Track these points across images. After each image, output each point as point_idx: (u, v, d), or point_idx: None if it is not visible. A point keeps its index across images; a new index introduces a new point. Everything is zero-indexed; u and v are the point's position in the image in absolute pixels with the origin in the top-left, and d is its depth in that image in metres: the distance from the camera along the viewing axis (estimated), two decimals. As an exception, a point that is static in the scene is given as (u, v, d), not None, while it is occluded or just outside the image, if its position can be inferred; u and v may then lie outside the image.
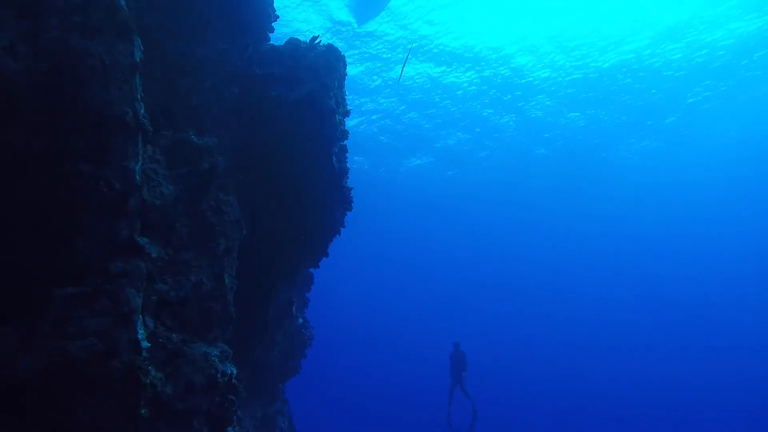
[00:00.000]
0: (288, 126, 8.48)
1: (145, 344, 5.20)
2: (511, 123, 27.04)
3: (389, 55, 21.06)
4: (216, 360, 5.91)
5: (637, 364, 57.82)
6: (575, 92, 24.04)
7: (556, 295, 56.25)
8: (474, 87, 23.78)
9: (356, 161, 30.00)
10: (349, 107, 9.47)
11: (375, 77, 22.79)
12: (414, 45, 19.36)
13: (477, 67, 22.27)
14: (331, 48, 8.85)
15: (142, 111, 5.43)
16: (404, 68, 19.77)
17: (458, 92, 24.35)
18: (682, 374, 56.20)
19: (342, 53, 9.00)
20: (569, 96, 24.35)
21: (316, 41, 8.94)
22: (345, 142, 9.30)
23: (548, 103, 24.99)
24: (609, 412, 52.28)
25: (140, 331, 5.15)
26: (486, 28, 19.76)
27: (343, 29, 19.38)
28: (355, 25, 19.29)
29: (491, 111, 25.96)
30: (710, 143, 28.29)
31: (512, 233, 44.34)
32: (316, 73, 8.53)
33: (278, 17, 9.26)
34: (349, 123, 9.99)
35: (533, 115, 26.10)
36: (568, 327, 59.58)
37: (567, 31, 20.01)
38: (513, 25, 19.67)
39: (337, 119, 8.74)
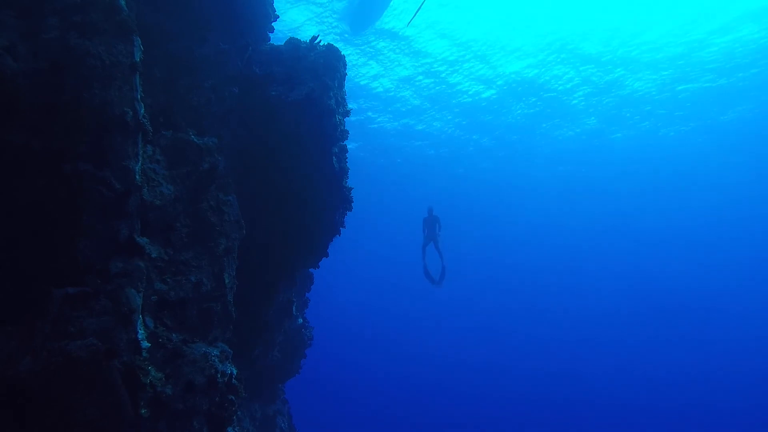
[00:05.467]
0: (288, 126, 8.48)
1: (145, 344, 5.20)
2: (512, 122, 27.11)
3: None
4: (216, 360, 5.90)
5: (635, 363, 57.82)
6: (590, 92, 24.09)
7: (557, 292, 56.23)
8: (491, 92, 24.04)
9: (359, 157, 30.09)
10: (349, 107, 9.46)
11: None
12: None
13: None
14: (331, 48, 8.84)
15: (142, 111, 5.42)
16: (416, 14, 19.72)
17: (466, 99, 24.56)
18: (681, 374, 56.19)
19: (342, 53, 9.00)
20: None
21: (316, 41, 8.94)
22: (345, 142, 9.30)
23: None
24: (608, 411, 52.28)
25: (140, 331, 5.16)
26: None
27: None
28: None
29: (491, 114, 26.03)
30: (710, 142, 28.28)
31: (512, 232, 44.32)
32: (316, 73, 8.52)
33: (278, 17, 9.26)
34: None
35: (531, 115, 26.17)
36: (569, 325, 59.56)
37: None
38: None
39: (337, 119, 8.74)
